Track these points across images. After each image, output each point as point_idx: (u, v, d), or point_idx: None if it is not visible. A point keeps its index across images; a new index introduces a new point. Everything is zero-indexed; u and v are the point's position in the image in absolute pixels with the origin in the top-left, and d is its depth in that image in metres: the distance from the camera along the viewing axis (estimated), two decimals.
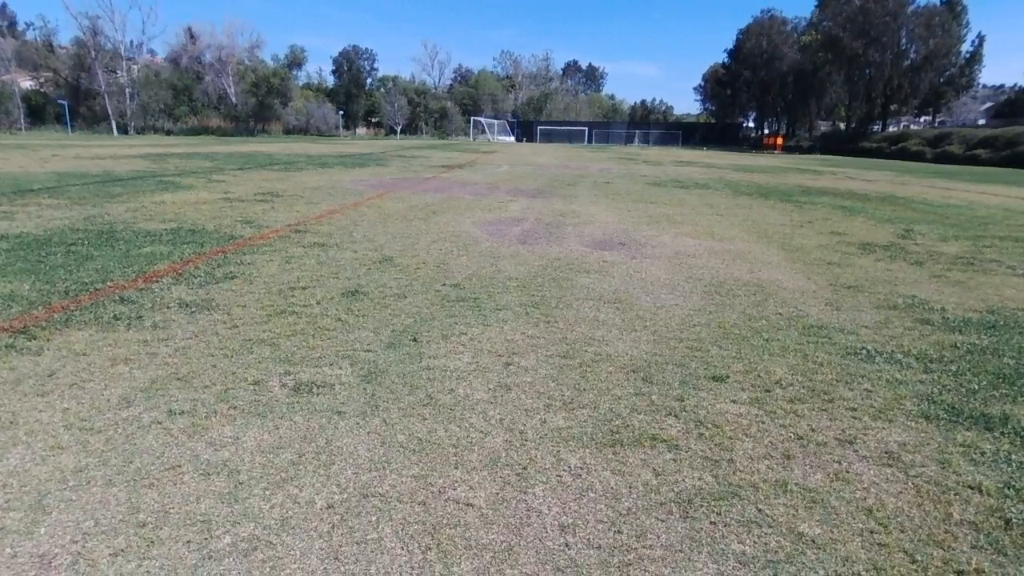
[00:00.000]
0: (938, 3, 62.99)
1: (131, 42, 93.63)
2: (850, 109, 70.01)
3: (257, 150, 30.60)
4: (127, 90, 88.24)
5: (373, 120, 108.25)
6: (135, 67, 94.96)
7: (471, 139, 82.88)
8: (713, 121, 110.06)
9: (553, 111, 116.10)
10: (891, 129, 65.05)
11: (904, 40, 59.48)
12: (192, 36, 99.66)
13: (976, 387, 3.34)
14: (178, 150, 27.82)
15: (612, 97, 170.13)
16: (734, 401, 3.09)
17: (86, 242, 6.26)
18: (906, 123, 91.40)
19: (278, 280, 5.03)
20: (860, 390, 3.26)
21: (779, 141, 67.57)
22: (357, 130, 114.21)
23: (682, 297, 4.98)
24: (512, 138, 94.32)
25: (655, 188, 15.09)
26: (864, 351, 3.83)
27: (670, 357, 3.65)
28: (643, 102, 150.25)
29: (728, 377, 3.37)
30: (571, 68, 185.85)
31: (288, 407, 2.88)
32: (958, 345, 4.01)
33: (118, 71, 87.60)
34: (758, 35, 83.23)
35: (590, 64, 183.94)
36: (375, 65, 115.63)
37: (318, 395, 3.01)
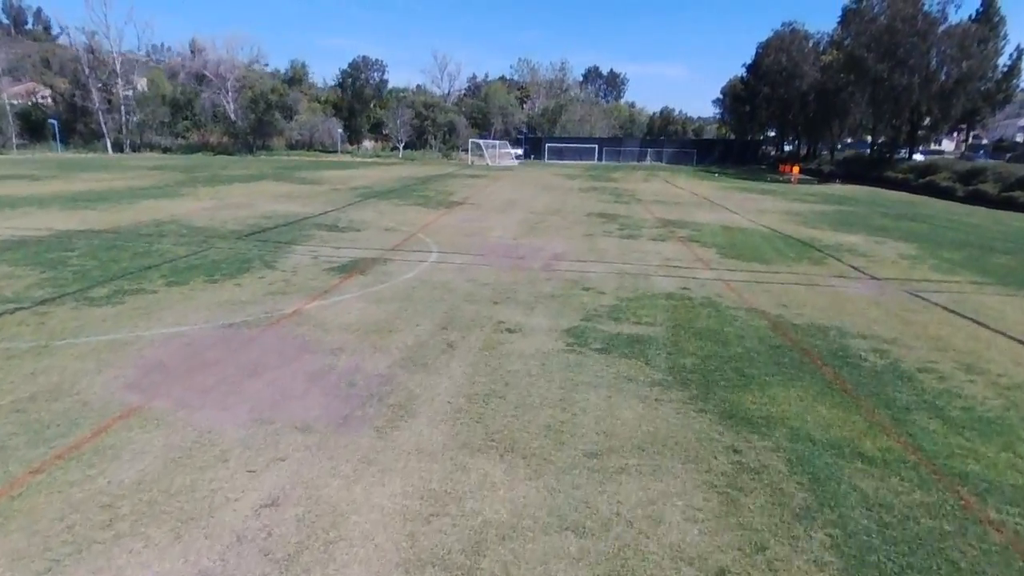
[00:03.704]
0: (974, 14, 57.98)
1: (126, 57, 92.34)
2: (874, 133, 65.02)
3: (173, 216, 27.42)
4: (122, 106, 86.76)
5: (383, 132, 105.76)
6: (136, 82, 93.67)
7: (469, 162, 79.46)
8: (732, 137, 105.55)
9: (568, 122, 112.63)
10: (917, 158, 59.96)
11: (935, 62, 54.42)
12: (193, 51, 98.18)
13: None
14: (83, 217, 24.70)
15: (632, 105, 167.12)
16: None
17: None
18: (936, 140, 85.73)
19: None
20: None
21: (795, 169, 62.68)
22: (363, 144, 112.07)
23: None
24: (519, 152, 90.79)
25: (568, 355, 11.33)
26: None
27: None
28: (662, 111, 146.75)
29: None
30: (592, 74, 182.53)
31: None
32: None
33: (112, 87, 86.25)
34: (778, 50, 78.73)
35: (611, 70, 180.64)
36: (384, 76, 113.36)
37: None
